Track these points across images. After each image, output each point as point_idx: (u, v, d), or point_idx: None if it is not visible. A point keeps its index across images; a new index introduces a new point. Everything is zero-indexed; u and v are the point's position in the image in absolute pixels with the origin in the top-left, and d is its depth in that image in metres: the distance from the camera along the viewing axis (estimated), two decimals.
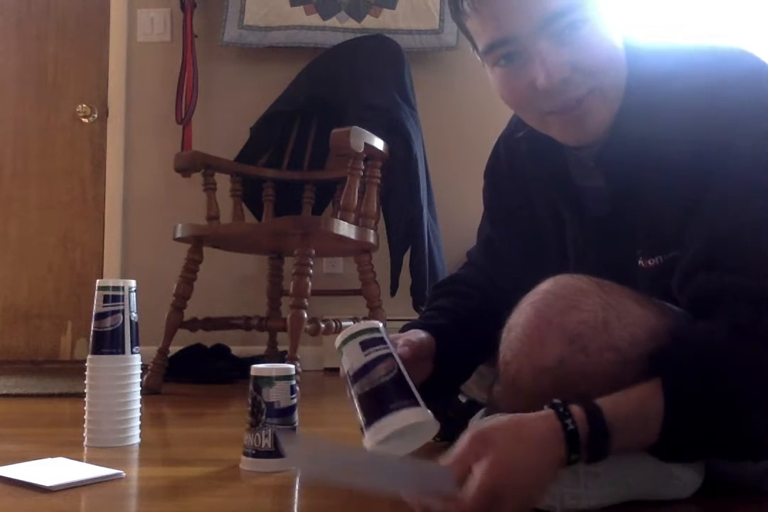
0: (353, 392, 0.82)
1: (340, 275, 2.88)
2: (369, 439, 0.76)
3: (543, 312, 0.79)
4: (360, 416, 0.79)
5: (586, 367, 0.77)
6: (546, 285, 0.83)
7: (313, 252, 2.01)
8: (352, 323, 2.20)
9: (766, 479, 0.88)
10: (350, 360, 0.83)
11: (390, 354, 0.83)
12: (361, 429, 0.79)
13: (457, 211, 2.81)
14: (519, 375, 0.81)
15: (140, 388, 1.26)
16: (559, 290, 0.81)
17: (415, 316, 2.53)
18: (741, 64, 0.86)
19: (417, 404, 0.77)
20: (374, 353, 0.82)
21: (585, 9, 0.83)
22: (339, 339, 0.86)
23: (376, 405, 0.78)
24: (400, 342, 0.93)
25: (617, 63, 0.88)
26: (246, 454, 1.05)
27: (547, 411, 0.73)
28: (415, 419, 0.76)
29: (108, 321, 1.22)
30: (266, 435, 1.03)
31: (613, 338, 0.77)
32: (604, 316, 0.78)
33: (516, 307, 0.84)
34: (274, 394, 1.04)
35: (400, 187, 2.38)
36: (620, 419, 0.72)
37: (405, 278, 2.46)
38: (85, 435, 1.22)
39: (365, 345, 0.83)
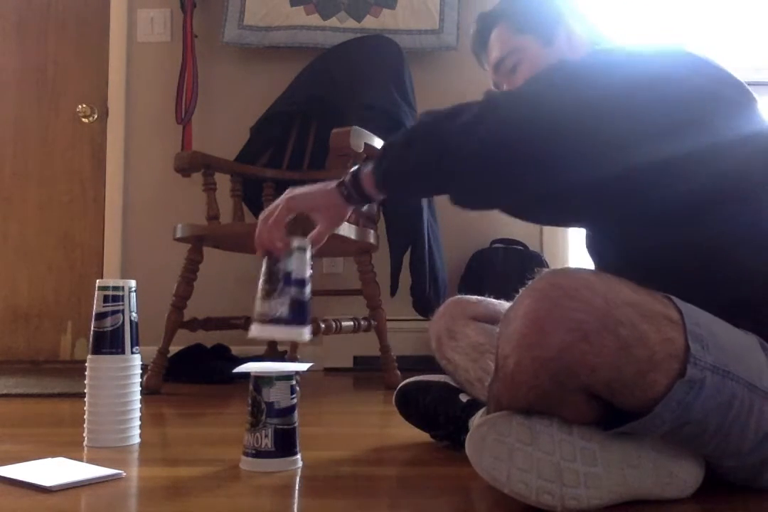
0: (284, 288, 1.02)
1: (340, 275, 2.88)
2: (274, 328, 1.01)
3: (542, 303, 0.80)
4: (278, 307, 1.00)
5: (587, 357, 0.77)
6: (543, 277, 0.83)
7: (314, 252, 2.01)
8: (352, 323, 2.20)
9: (762, 471, 0.89)
10: (296, 266, 1.03)
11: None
12: (263, 314, 1.00)
13: (457, 212, 2.81)
14: (518, 369, 0.81)
15: (140, 388, 1.26)
16: (557, 281, 0.81)
17: (415, 316, 2.55)
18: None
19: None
20: (309, 271, 1.05)
21: (519, 53, 1.15)
22: (295, 244, 1.03)
23: (300, 313, 1.02)
24: None
25: None
26: (246, 454, 1.05)
27: None
28: (308, 336, 1.03)
29: (108, 321, 1.22)
30: (266, 435, 1.03)
31: (612, 325, 0.78)
32: (602, 305, 0.78)
33: (514, 301, 0.84)
34: (274, 394, 1.04)
35: None
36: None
37: (405, 278, 2.46)
38: (85, 435, 1.22)
39: (308, 261, 1.05)
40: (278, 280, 1.02)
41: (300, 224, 1.09)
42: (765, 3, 2.98)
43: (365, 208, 1.90)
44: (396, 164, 0.95)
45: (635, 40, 1.10)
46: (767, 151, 0.96)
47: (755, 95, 0.97)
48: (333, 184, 1.03)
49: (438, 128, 0.92)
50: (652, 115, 0.88)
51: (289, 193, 1.05)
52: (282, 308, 1.01)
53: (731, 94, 0.95)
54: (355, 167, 1.03)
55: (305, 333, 1.03)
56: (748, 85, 0.98)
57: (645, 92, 0.89)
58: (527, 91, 0.93)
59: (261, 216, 1.05)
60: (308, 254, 1.05)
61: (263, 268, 1.04)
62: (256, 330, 1.02)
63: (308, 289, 1.05)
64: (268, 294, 1.02)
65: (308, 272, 1.05)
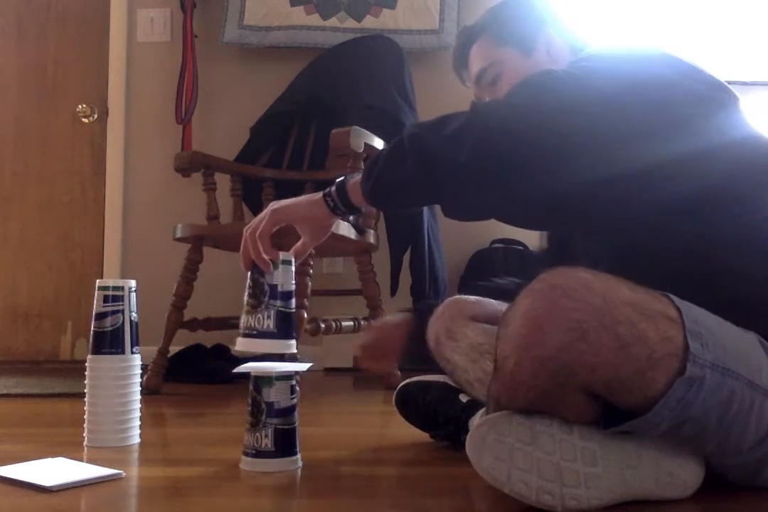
0: (270, 302, 1.03)
1: (340, 275, 2.88)
2: (261, 342, 1.02)
3: (541, 303, 0.80)
4: (264, 321, 1.02)
5: (586, 356, 0.78)
6: (541, 278, 0.83)
7: (313, 252, 2.01)
8: (352, 323, 2.20)
9: (761, 470, 0.89)
10: (282, 279, 1.04)
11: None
12: (249, 328, 1.02)
13: None
14: (518, 369, 0.81)
15: (140, 388, 1.26)
16: (556, 281, 0.81)
17: None
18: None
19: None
20: (294, 285, 1.06)
21: (499, 64, 1.18)
22: (280, 257, 1.04)
23: (286, 326, 1.04)
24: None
25: None
26: (246, 454, 1.05)
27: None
28: (295, 349, 1.06)
29: (108, 321, 1.22)
30: (266, 435, 1.03)
31: (611, 325, 0.78)
32: (601, 304, 0.79)
33: (512, 302, 0.84)
34: (274, 394, 1.04)
35: None
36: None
37: (405, 278, 2.46)
38: (85, 435, 1.22)
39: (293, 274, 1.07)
40: (264, 294, 1.02)
41: (284, 237, 1.10)
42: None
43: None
44: (384, 176, 0.96)
45: (616, 42, 1.11)
46: (754, 152, 0.96)
47: (737, 94, 0.98)
48: (318, 195, 1.04)
49: (425, 140, 0.92)
50: (639, 117, 0.88)
51: (273, 205, 1.05)
52: (268, 321, 1.02)
53: (714, 95, 0.96)
54: (340, 178, 1.03)
55: (292, 345, 1.04)
56: (728, 84, 0.99)
57: (630, 95, 0.89)
58: (512, 100, 0.94)
59: (246, 229, 1.04)
60: (293, 267, 1.06)
61: (248, 282, 1.04)
62: (242, 345, 1.03)
63: (294, 302, 1.05)
64: (254, 307, 1.03)
65: (293, 285, 1.06)
